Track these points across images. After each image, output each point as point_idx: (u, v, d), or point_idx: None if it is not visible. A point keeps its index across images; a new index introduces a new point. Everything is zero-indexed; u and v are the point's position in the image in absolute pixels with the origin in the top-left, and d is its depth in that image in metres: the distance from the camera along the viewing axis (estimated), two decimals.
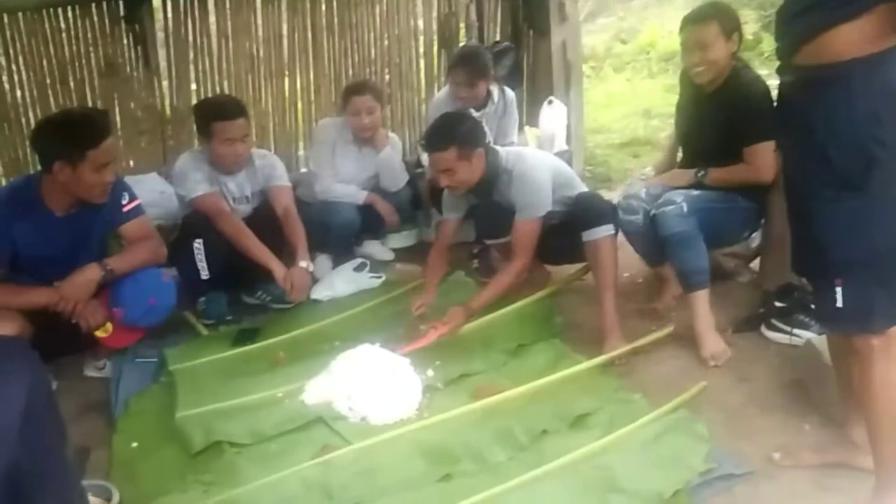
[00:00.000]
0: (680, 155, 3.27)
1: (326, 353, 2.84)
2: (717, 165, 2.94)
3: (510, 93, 3.98)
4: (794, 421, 2.36)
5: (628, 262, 3.26)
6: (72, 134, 2.57)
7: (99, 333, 2.73)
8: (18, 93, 3.65)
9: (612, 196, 4.36)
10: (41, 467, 0.99)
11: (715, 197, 2.89)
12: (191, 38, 3.95)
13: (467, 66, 3.69)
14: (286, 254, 3.28)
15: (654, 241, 2.89)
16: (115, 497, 1.94)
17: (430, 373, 2.70)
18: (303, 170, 4.16)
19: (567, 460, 2.15)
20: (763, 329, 2.86)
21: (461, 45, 4.44)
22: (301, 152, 4.36)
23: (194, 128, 3.42)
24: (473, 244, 3.71)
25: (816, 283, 1.91)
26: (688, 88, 3.10)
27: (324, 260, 3.71)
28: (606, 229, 2.88)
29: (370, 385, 2.57)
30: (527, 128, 4.30)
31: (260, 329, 3.17)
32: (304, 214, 3.58)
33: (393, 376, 2.63)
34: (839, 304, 1.78)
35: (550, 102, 4.27)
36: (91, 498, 1.88)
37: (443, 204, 3.28)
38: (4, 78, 3.59)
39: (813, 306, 2.49)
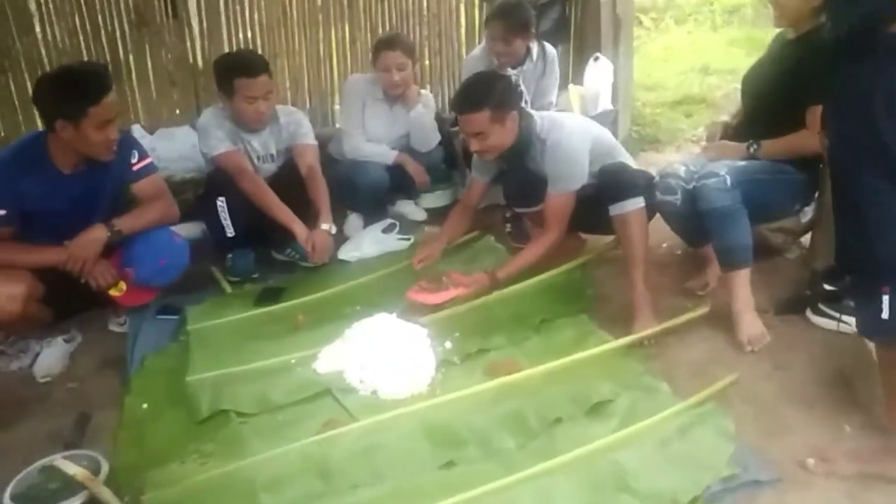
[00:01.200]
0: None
1: (347, 318, 2.77)
2: (776, 130, 2.70)
3: (551, 50, 3.77)
4: (833, 420, 2.16)
5: (666, 232, 3.07)
6: (71, 91, 2.50)
7: (112, 292, 2.72)
8: (51, 45, 3.61)
9: (660, 159, 4.18)
10: None
11: (763, 167, 2.68)
12: None
13: (505, 21, 3.49)
14: (312, 213, 3.21)
15: (694, 221, 2.69)
16: (104, 468, 1.90)
17: (448, 345, 2.60)
18: (337, 125, 4.06)
19: (579, 453, 2.02)
20: (808, 313, 2.65)
21: None
22: (337, 107, 4.25)
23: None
24: (506, 208, 3.57)
25: (861, 286, 1.72)
26: (771, 46, 2.88)
27: (355, 219, 3.63)
28: (635, 202, 2.70)
29: (383, 357, 2.50)
30: (570, 86, 4.08)
31: (284, 289, 3.11)
32: (334, 172, 3.52)
33: (407, 349, 2.54)
34: (885, 314, 1.59)
35: (597, 59, 4.04)
36: (78, 469, 1.85)
37: (472, 165, 3.15)
38: (38, 30, 3.54)
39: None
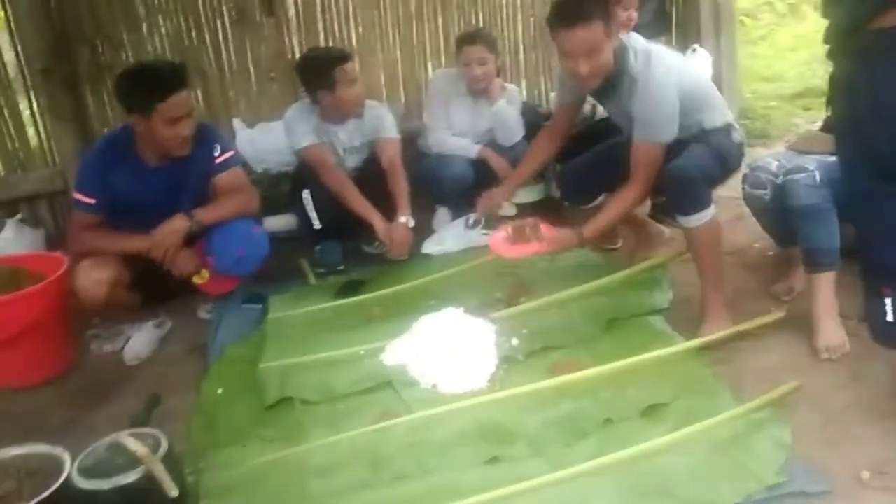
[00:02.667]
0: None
1: (421, 312, 2.79)
2: None
3: None
4: None
5: (758, 231, 2.92)
6: (141, 87, 2.65)
7: (196, 280, 2.85)
8: (157, 42, 3.82)
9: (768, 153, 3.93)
10: None
11: None
12: None
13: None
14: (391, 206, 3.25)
15: (783, 217, 2.52)
16: (163, 446, 1.99)
17: (515, 342, 2.57)
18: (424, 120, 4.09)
19: (624, 455, 1.95)
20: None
21: None
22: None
23: None
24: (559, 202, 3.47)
25: (866, 288, 1.58)
26: None
27: (443, 213, 3.66)
28: (701, 217, 2.46)
29: (445, 351, 2.51)
30: None
31: (365, 282, 3.17)
32: (421, 166, 3.56)
33: (472, 344, 2.54)
34: (889, 317, 1.45)
35: (694, 51, 3.85)
36: (140, 446, 1.95)
37: (557, 88, 2.95)
38: (145, 28, 3.76)
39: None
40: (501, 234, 2.71)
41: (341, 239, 3.39)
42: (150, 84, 2.65)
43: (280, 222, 3.66)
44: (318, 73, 3.25)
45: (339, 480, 2.01)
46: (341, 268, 3.33)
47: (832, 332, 2.38)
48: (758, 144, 4.12)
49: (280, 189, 3.75)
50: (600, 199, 2.90)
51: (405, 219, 3.16)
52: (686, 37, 4.15)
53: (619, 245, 3.36)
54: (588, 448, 2.03)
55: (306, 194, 3.27)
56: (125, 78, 2.78)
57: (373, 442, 2.13)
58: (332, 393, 2.42)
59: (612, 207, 2.64)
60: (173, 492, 1.87)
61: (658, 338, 2.54)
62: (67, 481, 1.92)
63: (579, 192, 3.01)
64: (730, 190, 2.97)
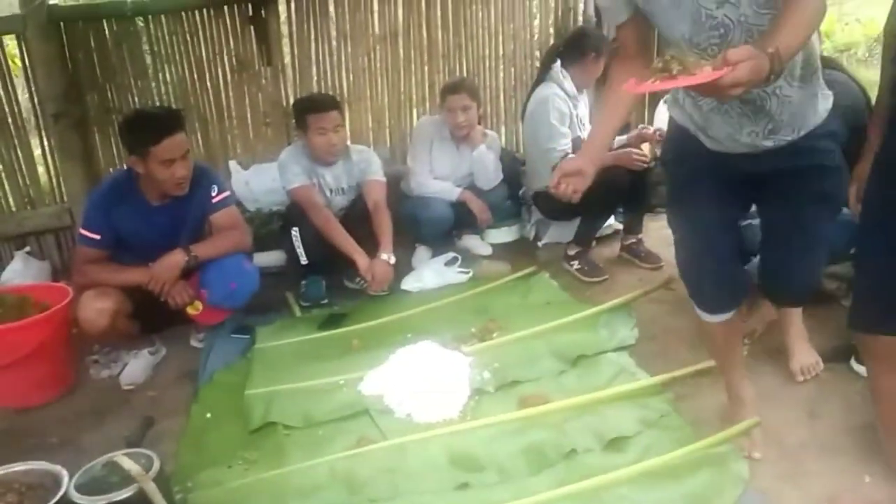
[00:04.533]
0: None
1: (398, 345, 2.97)
2: None
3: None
4: (855, 469, 2.14)
5: None
6: (137, 131, 2.85)
7: (190, 311, 3.03)
8: (163, 89, 4.05)
9: None
10: None
11: None
12: (312, 37, 4.17)
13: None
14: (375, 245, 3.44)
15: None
16: (155, 466, 2.15)
17: (486, 375, 2.74)
18: (408, 163, 4.29)
19: (588, 485, 2.10)
20: (852, 362, 2.61)
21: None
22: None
23: None
24: (570, 245, 3.67)
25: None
26: None
27: (422, 251, 3.85)
28: None
29: (420, 382, 2.67)
30: None
31: (347, 315, 3.35)
32: (403, 207, 3.76)
33: (445, 376, 2.71)
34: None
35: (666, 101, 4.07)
36: (134, 465, 2.11)
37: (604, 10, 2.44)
38: (150, 74, 3.99)
39: None
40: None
41: (326, 274, 3.58)
42: (145, 128, 2.84)
43: (269, 258, 3.84)
44: (297, 115, 3.50)
45: (316, 502, 2.16)
46: (325, 301, 3.52)
47: (805, 353, 2.61)
48: None
49: (271, 227, 3.94)
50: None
51: (387, 256, 3.34)
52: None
53: (605, 278, 3.55)
54: (553, 477, 2.18)
55: (295, 232, 3.45)
56: (125, 122, 2.99)
57: (350, 466, 2.28)
58: (313, 419, 2.57)
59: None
60: None
61: (623, 373, 2.70)
62: (65, 497, 2.06)
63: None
64: None
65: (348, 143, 3.64)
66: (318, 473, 2.28)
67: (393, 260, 3.37)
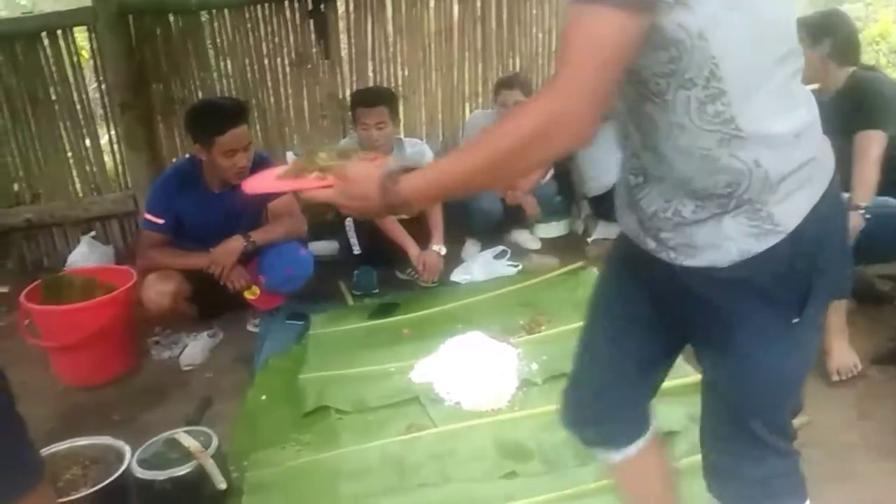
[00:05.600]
0: None
1: (448, 335, 3.01)
2: None
3: None
4: None
5: None
6: (203, 121, 2.95)
7: (248, 295, 3.14)
8: (224, 81, 4.16)
9: None
10: None
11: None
12: (369, 31, 4.24)
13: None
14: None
15: None
16: (214, 444, 2.23)
17: (534, 367, 2.76)
18: None
19: None
20: None
21: None
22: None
23: None
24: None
25: None
26: None
27: (471, 244, 3.89)
28: None
29: (470, 372, 2.71)
30: None
31: (398, 304, 3.41)
32: (454, 201, 3.79)
33: (494, 367, 2.74)
34: None
35: None
36: (193, 442, 2.21)
37: None
38: (213, 66, 4.11)
39: None
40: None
41: (377, 265, 3.64)
42: (211, 119, 2.94)
43: (323, 247, 3.93)
44: (351, 109, 3.57)
45: (368, 484, 2.22)
46: (376, 291, 3.58)
47: (843, 354, 2.55)
48: None
49: (325, 217, 4.03)
50: None
51: (438, 247, 3.40)
52: None
53: None
54: (599, 468, 2.14)
55: (349, 222, 3.53)
56: (191, 112, 3.10)
57: (400, 451, 2.34)
58: (364, 404, 2.64)
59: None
60: (222, 485, 2.11)
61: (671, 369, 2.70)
62: (127, 471, 2.16)
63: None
64: None
65: (401, 136, 3.69)
66: (369, 457, 2.34)
67: (443, 251, 3.42)
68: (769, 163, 1.09)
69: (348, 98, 4.00)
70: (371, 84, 4.22)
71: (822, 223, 1.15)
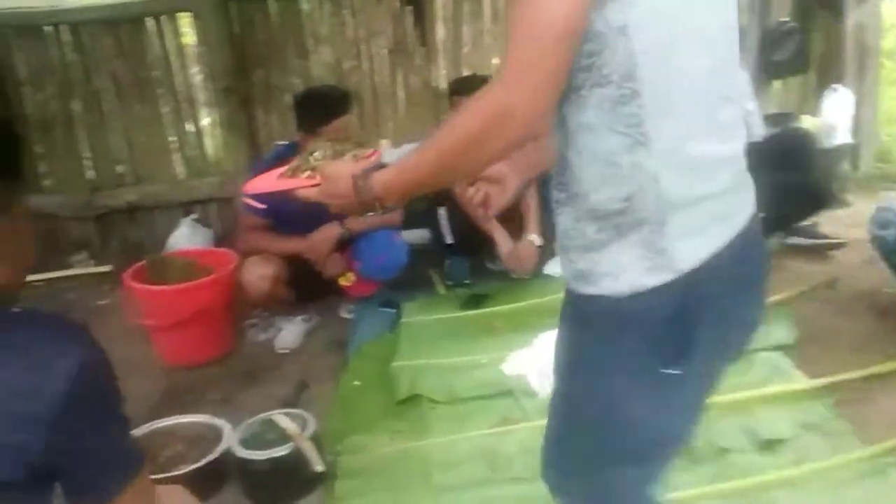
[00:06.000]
0: None
1: (540, 329, 2.91)
2: None
3: None
4: None
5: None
6: (308, 108, 2.97)
7: (342, 282, 3.16)
8: (321, 69, 4.20)
9: None
10: (78, 447, 0.97)
11: None
12: (466, 18, 4.19)
13: None
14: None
15: None
16: (310, 427, 2.25)
17: None
18: None
19: (740, 485, 2.03)
20: None
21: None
22: None
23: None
24: None
25: None
26: None
27: None
28: None
29: None
30: (804, 116, 3.91)
31: (489, 296, 3.37)
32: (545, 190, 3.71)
33: None
34: None
35: (835, 90, 3.83)
36: (290, 424, 2.23)
37: None
38: (310, 53, 4.15)
39: None
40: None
41: (469, 255, 3.61)
42: (318, 107, 2.98)
43: (415, 236, 3.90)
44: (449, 97, 3.55)
45: (460, 475, 2.20)
46: (468, 281, 3.55)
47: None
48: (893, 189, 4.03)
49: (417, 205, 4.02)
50: None
51: (533, 238, 3.33)
52: (826, 76, 4.10)
53: None
54: (703, 474, 2.11)
55: (441, 211, 3.50)
56: (299, 99, 3.14)
57: (492, 444, 2.31)
58: (457, 395, 2.61)
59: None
60: (319, 467, 2.13)
61: (778, 374, 2.56)
62: (227, 449, 2.22)
63: None
64: (861, 231, 2.99)
65: None
66: (461, 448, 2.32)
67: (539, 242, 3.35)
68: (668, 184, 1.03)
69: (443, 87, 3.98)
70: (464, 72, 4.18)
71: (721, 271, 1.08)
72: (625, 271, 1.07)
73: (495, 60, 4.26)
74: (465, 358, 2.84)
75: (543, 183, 3.55)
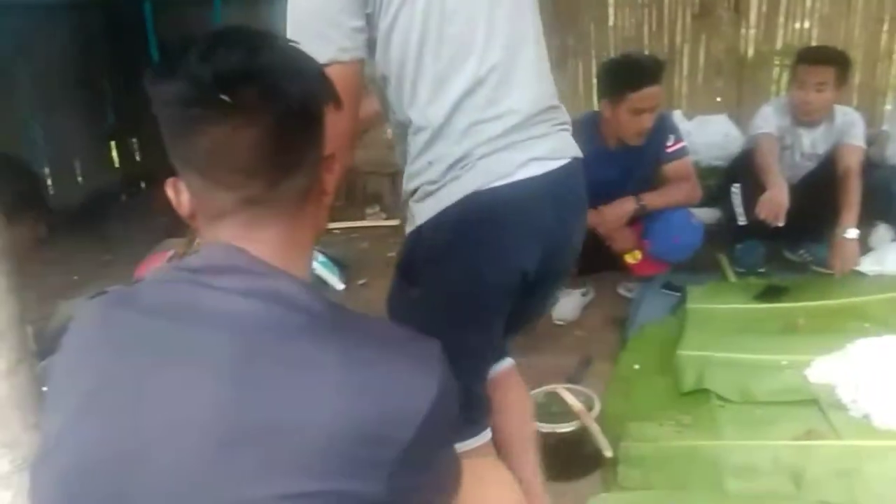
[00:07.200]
0: None
1: (850, 333, 2.63)
2: None
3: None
4: None
5: None
6: (618, 76, 2.84)
7: (629, 259, 3.05)
8: (619, 34, 4.05)
9: None
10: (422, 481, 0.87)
11: None
12: None
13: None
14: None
15: None
16: (597, 407, 2.20)
17: None
18: (883, 127, 3.73)
19: None
20: None
21: None
22: (888, 107, 3.90)
23: (774, 73, 3.38)
24: None
25: None
26: None
27: (883, 230, 3.38)
28: None
29: (883, 381, 2.33)
30: None
31: (788, 288, 3.07)
32: (871, 178, 3.29)
33: None
34: None
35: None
36: (576, 401, 2.19)
37: None
38: (611, 21, 4.02)
39: None
40: None
41: (764, 240, 3.30)
42: (629, 74, 2.86)
43: (704, 215, 3.69)
44: (792, 66, 3.22)
45: (757, 486, 2.02)
46: (762, 270, 3.28)
47: None
48: None
49: (708, 182, 3.77)
50: None
51: (851, 233, 2.97)
52: None
53: None
54: None
55: (735, 189, 3.25)
56: (608, 65, 3.04)
57: (795, 458, 2.09)
58: (751, 396, 2.40)
59: None
60: (608, 452, 2.07)
61: None
62: None
63: None
64: None
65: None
66: (758, 457, 2.12)
67: (855, 235, 2.97)
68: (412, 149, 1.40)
69: (751, 53, 3.65)
70: (778, 41, 3.81)
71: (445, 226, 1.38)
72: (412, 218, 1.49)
73: (817, 30, 3.84)
74: (760, 356, 2.60)
75: (867, 170, 3.20)
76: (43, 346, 2.65)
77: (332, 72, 1.04)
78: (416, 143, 1.38)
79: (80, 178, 5.26)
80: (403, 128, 1.40)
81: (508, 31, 1.36)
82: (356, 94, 1.33)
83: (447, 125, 1.34)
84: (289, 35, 1.24)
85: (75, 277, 3.88)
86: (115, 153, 5.61)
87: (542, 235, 1.44)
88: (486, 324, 1.49)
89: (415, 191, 1.42)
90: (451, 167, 1.35)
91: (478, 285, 1.41)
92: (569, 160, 1.48)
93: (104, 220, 4.72)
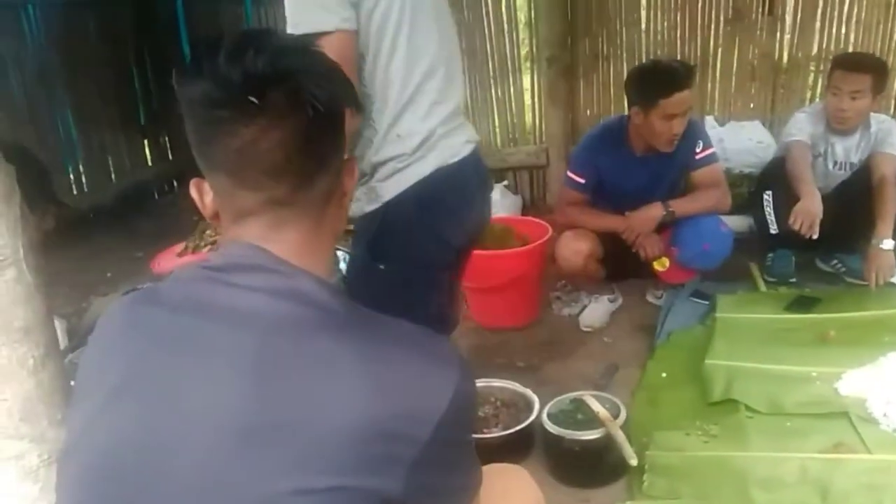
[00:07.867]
0: None
1: (883, 346, 2.59)
2: None
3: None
4: None
5: None
6: (649, 82, 2.81)
7: (656, 266, 3.02)
8: (651, 39, 4.03)
9: None
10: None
11: None
12: None
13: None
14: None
15: None
16: (622, 415, 2.18)
17: None
18: None
19: None
20: None
21: None
22: None
23: (809, 79, 3.33)
24: None
25: None
26: None
27: None
28: None
29: None
30: None
31: (820, 299, 3.02)
32: None
33: None
34: None
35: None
36: (601, 408, 2.17)
37: None
38: (643, 24, 3.99)
39: None
40: None
41: (795, 249, 3.25)
42: (660, 80, 2.83)
43: (735, 223, 3.63)
44: (829, 72, 3.14)
45: (784, 498, 1.99)
46: (793, 280, 3.22)
47: None
48: None
49: (740, 190, 3.72)
50: None
51: (887, 244, 2.91)
52: None
53: None
54: None
55: (767, 196, 3.19)
56: (637, 72, 3.03)
57: (823, 471, 2.05)
58: (780, 408, 2.37)
59: None
60: (633, 460, 2.05)
61: None
62: (537, 421, 2.22)
63: None
64: None
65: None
66: (786, 469, 2.09)
67: (891, 246, 2.92)
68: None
69: (786, 59, 3.60)
70: (815, 45, 3.75)
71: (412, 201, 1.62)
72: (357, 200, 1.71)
73: (854, 36, 3.77)
74: (790, 367, 2.57)
75: None
76: (76, 341, 2.72)
77: (335, 40, 1.26)
78: (382, 119, 1.60)
79: (113, 177, 5.34)
80: (369, 104, 1.60)
81: (448, 34, 1.71)
82: (355, 63, 1.52)
83: (411, 103, 1.60)
84: (291, 6, 1.42)
85: (108, 274, 3.95)
86: (147, 151, 5.69)
87: (476, 204, 1.78)
88: (446, 286, 1.79)
89: (381, 165, 1.63)
90: (420, 145, 1.61)
91: (445, 251, 1.71)
92: (476, 144, 1.78)
93: (137, 218, 4.80)
